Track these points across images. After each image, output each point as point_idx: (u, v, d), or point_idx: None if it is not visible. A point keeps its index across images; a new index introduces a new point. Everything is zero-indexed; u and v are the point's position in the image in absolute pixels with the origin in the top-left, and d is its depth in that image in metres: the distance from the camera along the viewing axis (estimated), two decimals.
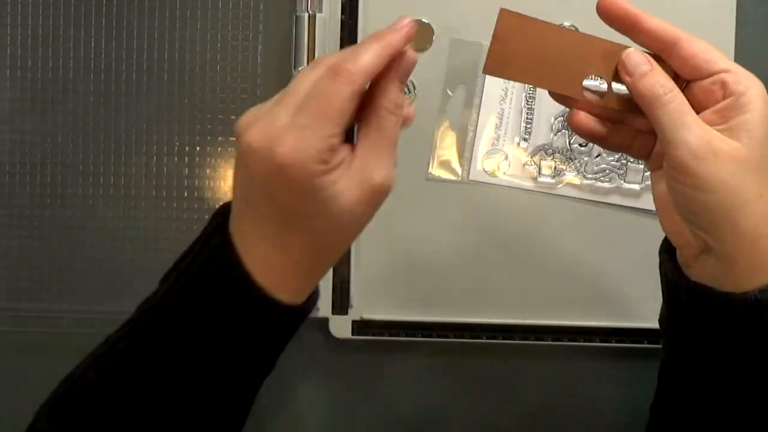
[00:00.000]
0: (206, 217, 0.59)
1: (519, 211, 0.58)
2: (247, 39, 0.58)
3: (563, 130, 0.57)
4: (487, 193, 0.58)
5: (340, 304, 0.58)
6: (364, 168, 0.40)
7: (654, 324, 0.57)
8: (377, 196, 0.41)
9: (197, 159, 0.59)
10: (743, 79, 0.40)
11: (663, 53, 0.43)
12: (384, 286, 0.58)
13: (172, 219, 0.59)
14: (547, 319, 0.58)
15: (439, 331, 0.58)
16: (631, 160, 0.57)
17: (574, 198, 0.58)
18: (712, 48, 0.42)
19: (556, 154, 0.57)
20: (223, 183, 0.59)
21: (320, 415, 0.60)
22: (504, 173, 0.58)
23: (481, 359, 0.60)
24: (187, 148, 0.59)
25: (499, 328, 0.58)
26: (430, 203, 0.58)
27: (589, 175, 0.57)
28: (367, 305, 0.58)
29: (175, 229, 0.59)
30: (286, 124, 0.38)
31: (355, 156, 0.40)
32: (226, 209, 0.41)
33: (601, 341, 0.58)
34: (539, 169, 0.58)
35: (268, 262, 0.40)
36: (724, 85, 0.40)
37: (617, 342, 0.58)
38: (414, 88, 0.57)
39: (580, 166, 0.57)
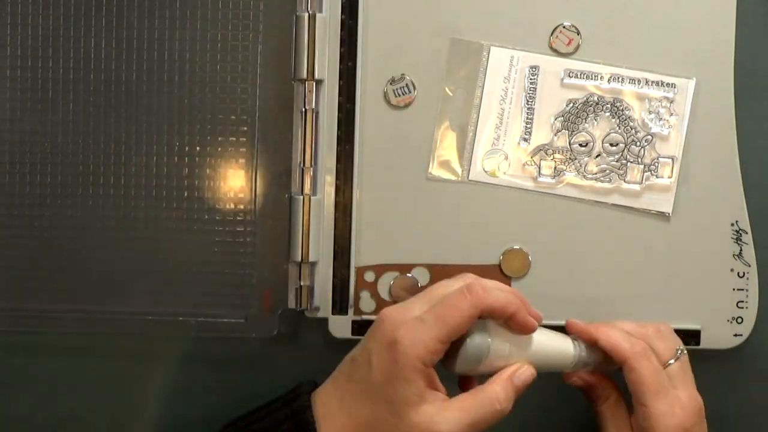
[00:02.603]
0: (206, 217, 0.59)
1: (519, 211, 0.58)
2: (247, 39, 0.58)
3: (563, 130, 0.57)
4: (487, 193, 0.58)
5: (340, 304, 0.58)
6: (440, 413, 0.45)
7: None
8: None
9: (197, 159, 0.59)
10: (651, 419, 0.49)
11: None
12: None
13: (172, 219, 0.59)
14: (546, 319, 0.58)
15: None
16: (631, 159, 0.57)
17: (575, 198, 0.58)
18: (642, 375, 0.50)
19: (556, 154, 0.57)
20: (223, 183, 0.59)
21: None
22: (504, 173, 0.58)
23: None
24: (187, 148, 0.59)
25: None
26: (430, 203, 0.58)
27: (589, 175, 0.57)
28: (367, 305, 0.58)
29: (175, 229, 0.59)
30: (414, 317, 0.46)
31: (450, 399, 0.47)
32: (311, 385, 0.50)
33: None
34: (539, 169, 0.58)
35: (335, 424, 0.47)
36: (640, 416, 0.50)
37: None
38: (414, 88, 0.57)
39: (580, 166, 0.57)
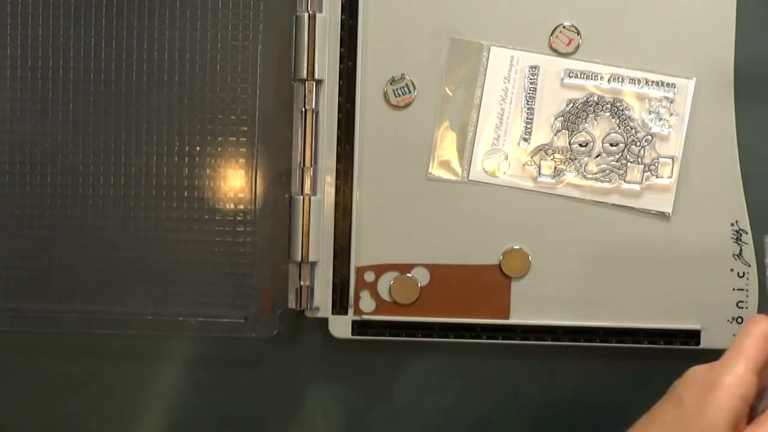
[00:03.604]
0: (206, 217, 0.59)
1: (519, 211, 0.58)
2: (247, 39, 0.58)
3: (563, 130, 0.57)
4: (487, 193, 0.58)
5: (340, 304, 0.58)
6: None
7: (654, 324, 0.57)
8: None
9: (197, 159, 0.59)
10: None
11: None
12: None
13: (172, 219, 0.59)
14: (547, 319, 0.58)
15: (439, 331, 0.58)
16: (631, 159, 0.57)
17: (575, 198, 0.58)
18: None
19: (556, 154, 0.57)
20: (223, 183, 0.59)
21: (320, 415, 0.60)
22: (504, 173, 0.58)
23: (481, 359, 0.60)
24: (187, 148, 0.59)
25: (499, 328, 0.58)
26: (430, 203, 0.58)
27: (589, 175, 0.57)
28: (367, 305, 0.58)
29: (175, 229, 0.59)
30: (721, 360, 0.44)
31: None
32: None
33: (601, 341, 0.58)
34: (539, 169, 0.58)
35: None
36: None
37: (617, 342, 0.58)
38: (414, 88, 0.57)
39: (580, 166, 0.57)
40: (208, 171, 0.59)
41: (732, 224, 0.57)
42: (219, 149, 0.59)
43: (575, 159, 0.57)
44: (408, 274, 0.58)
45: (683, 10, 0.57)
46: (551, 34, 0.57)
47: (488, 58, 0.57)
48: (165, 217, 0.59)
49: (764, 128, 0.58)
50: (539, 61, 0.57)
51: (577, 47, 0.57)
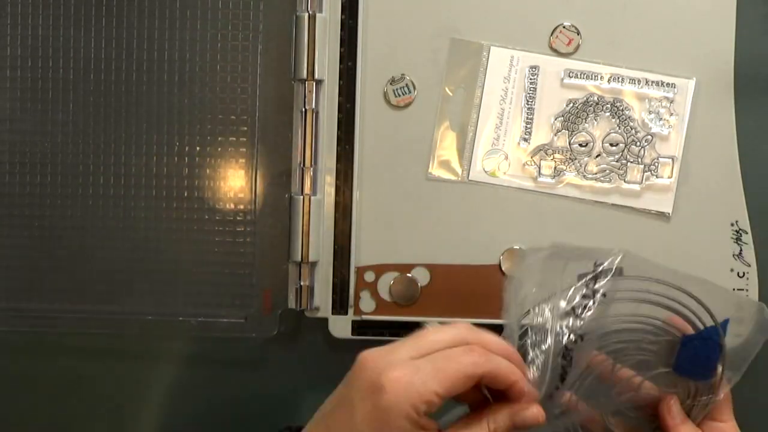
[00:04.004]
0: (206, 217, 0.59)
1: (519, 211, 0.58)
2: (247, 39, 0.58)
3: (563, 130, 0.57)
4: (487, 193, 0.58)
5: (340, 304, 0.58)
6: None
7: None
8: None
9: (197, 159, 0.59)
10: None
11: None
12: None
13: (172, 219, 0.59)
14: None
15: None
16: (631, 159, 0.57)
17: (575, 198, 0.58)
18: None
19: (556, 154, 0.57)
20: (223, 183, 0.59)
21: None
22: (504, 173, 0.58)
23: None
24: (187, 148, 0.59)
25: (499, 328, 0.58)
26: (430, 203, 0.58)
27: (589, 175, 0.57)
28: (367, 305, 0.58)
29: (175, 229, 0.59)
30: (403, 360, 0.41)
31: None
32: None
33: None
34: (539, 169, 0.58)
35: None
36: None
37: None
38: (414, 88, 0.57)
39: (580, 166, 0.57)
40: (208, 171, 0.59)
41: (732, 224, 0.57)
42: (219, 149, 0.59)
43: (575, 159, 0.57)
44: (408, 274, 0.58)
45: (683, 10, 0.57)
46: (551, 34, 0.57)
47: (488, 58, 0.57)
48: (165, 217, 0.59)
49: (764, 128, 0.58)
50: (539, 61, 0.57)
51: (577, 47, 0.57)
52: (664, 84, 0.57)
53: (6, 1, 0.58)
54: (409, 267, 0.58)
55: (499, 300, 0.58)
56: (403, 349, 0.42)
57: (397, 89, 0.57)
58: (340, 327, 0.58)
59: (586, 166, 0.57)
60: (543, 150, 0.58)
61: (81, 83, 0.58)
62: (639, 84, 0.57)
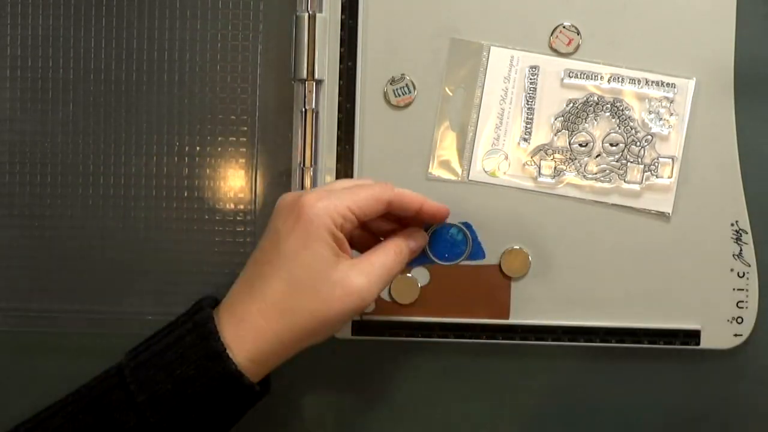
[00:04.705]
0: (206, 217, 0.59)
1: (519, 211, 0.58)
2: (247, 39, 0.58)
3: (563, 130, 0.57)
4: (487, 193, 0.58)
5: None
6: (354, 268, 0.47)
7: (654, 324, 0.57)
8: (349, 295, 0.47)
9: (197, 159, 0.59)
10: None
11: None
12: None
13: (172, 219, 0.59)
14: (547, 319, 0.58)
15: (439, 331, 0.58)
16: (631, 159, 0.57)
17: (575, 198, 0.58)
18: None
19: (556, 154, 0.57)
20: (223, 183, 0.59)
21: (320, 415, 0.60)
22: (504, 173, 0.58)
23: (481, 359, 0.60)
24: (187, 148, 0.59)
25: (499, 328, 0.58)
26: None
27: (589, 175, 0.57)
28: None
29: (175, 229, 0.59)
30: (318, 190, 0.48)
31: (356, 258, 0.49)
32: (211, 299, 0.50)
33: (601, 341, 0.58)
34: (539, 169, 0.58)
35: (243, 325, 0.46)
36: None
37: (617, 342, 0.58)
38: (414, 88, 0.57)
39: (580, 166, 0.57)
40: (208, 171, 0.59)
41: (732, 224, 0.57)
42: (219, 149, 0.59)
43: (575, 159, 0.57)
44: (408, 274, 0.58)
45: (683, 10, 0.57)
46: (551, 34, 0.57)
47: (488, 58, 0.57)
48: (165, 217, 0.59)
49: (764, 128, 0.58)
50: (539, 61, 0.57)
51: (577, 47, 0.57)
52: (664, 84, 0.57)
53: (6, 1, 0.58)
54: (409, 267, 0.58)
55: (499, 300, 0.59)
56: (314, 189, 0.49)
57: (397, 89, 0.57)
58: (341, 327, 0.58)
59: (586, 166, 0.57)
60: (543, 150, 0.57)
61: (81, 83, 0.58)
62: (639, 84, 0.57)
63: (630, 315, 0.58)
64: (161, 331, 0.49)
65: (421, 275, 0.58)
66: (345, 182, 0.52)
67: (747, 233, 0.57)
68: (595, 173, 0.57)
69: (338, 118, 0.57)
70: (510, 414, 0.60)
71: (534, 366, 0.60)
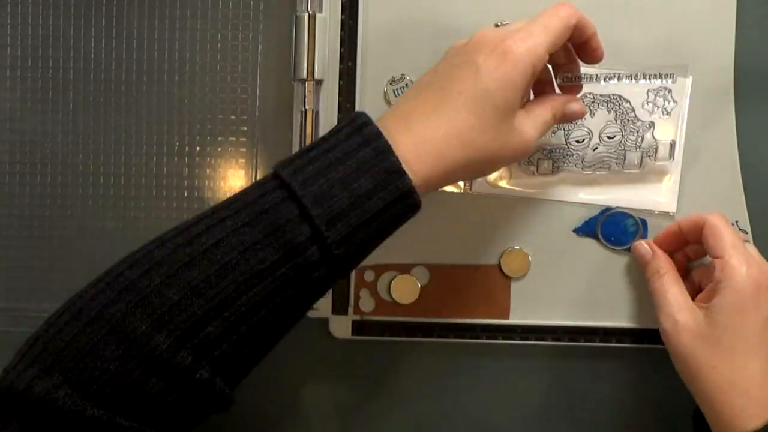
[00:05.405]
0: None
1: (519, 211, 0.58)
2: (247, 39, 0.58)
3: (560, 130, 0.57)
4: (488, 198, 0.58)
5: (340, 303, 0.58)
6: (527, 118, 0.48)
7: (654, 324, 0.57)
8: (522, 143, 0.48)
9: (197, 159, 0.59)
10: (726, 268, 0.50)
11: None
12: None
13: (172, 219, 0.59)
14: (546, 319, 0.58)
15: (439, 331, 0.58)
16: (629, 148, 0.57)
17: (574, 198, 0.58)
18: (721, 232, 0.52)
19: (554, 153, 0.57)
20: (223, 183, 0.59)
21: (320, 415, 0.60)
22: (506, 183, 0.58)
23: (481, 359, 0.60)
24: (187, 148, 0.59)
25: (499, 328, 0.58)
26: (429, 203, 0.58)
27: (588, 165, 0.57)
28: (366, 304, 0.58)
29: None
30: (519, 29, 0.48)
31: (526, 107, 0.49)
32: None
33: (601, 341, 0.58)
34: (536, 168, 0.58)
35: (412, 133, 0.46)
36: (717, 269, 0.51)
37: (617, 342, 0.58)
38: None
39: (579, 160, 0.57)
40: (208, 171, 0.59)
41: (732, 224, 0.57)
42: (219, 149, 0.59)
43: (572, 154, 0.57)
44: (408, 274, 0.58)
45: (683, 10, 0.57)
46: None
47: None
48: (165, 217, 0.59)
49: (764, 128, 0.58)
50: None
51: None
52: (664, 84, 0.57)
53: (6, 1, 0.58)
54: (409, 267, 0.58)
55: (499, 300, 0.58)
56: (511, 26, 0.49)
57: (397, 89, 0.57)
58: (340, 327, 0.58)
59: (584, 158, 0.57)
60: (540, 150, 0.57)
61: (81, 83, 0.58)
62: (638, 84, 0.57)
63: (630, 315, 0.58)
64: (316, 147, 0.46)
65: (420, 275, 0.58)
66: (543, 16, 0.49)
67: (747, 233, 0.57)
68: (593, 163, 0.57)
69: (338, 118, 0.57)
70: (510, 414, 0.60)
71: (534, 366, 0.60)
